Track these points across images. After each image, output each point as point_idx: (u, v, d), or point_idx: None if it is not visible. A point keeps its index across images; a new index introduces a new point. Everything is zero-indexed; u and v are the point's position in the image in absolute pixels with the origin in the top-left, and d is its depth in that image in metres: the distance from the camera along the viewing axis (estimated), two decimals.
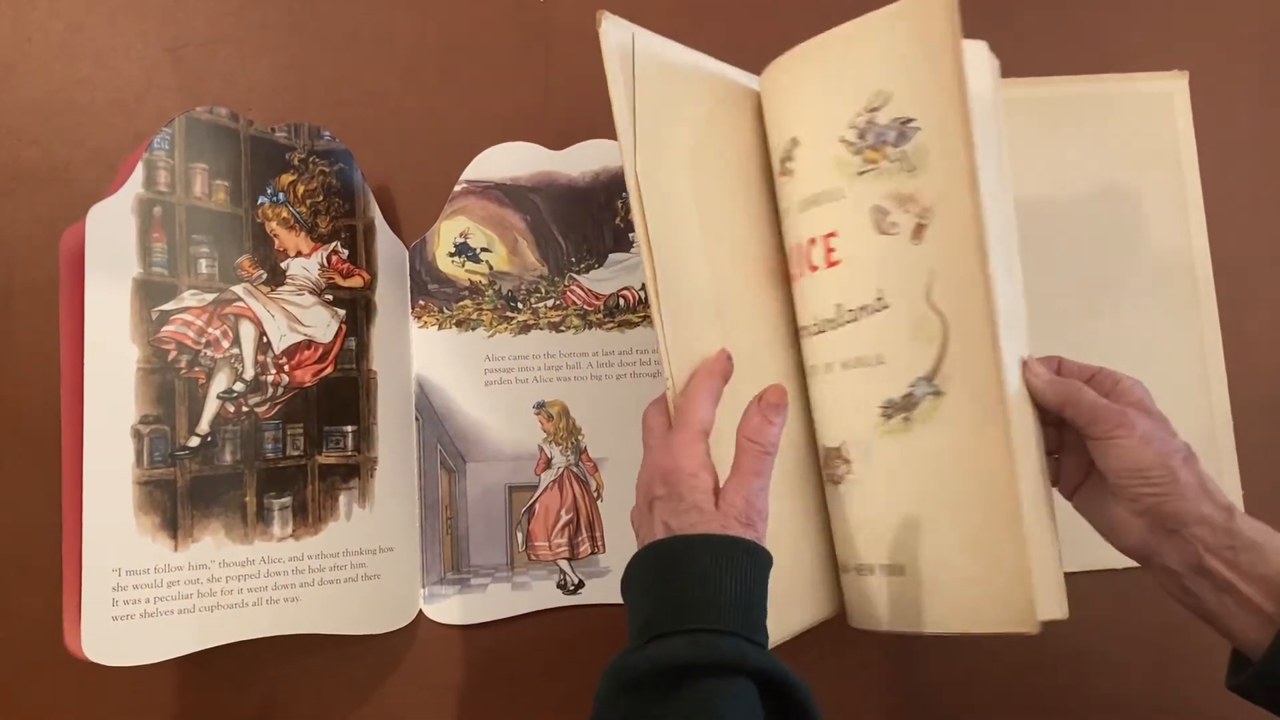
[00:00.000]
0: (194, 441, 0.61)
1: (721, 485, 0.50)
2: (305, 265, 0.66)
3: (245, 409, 0.63)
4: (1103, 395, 0.54)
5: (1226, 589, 0.50)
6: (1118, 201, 0.74)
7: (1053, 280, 0.72)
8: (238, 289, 0.64)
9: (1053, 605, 0.52)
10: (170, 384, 0.60)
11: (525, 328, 0.71)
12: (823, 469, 0.59)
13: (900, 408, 0.54)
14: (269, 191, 0.65)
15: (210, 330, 0.62)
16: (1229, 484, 0.71)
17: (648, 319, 0.71)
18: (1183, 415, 0.67)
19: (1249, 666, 0.50)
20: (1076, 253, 0.73)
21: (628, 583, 0.50)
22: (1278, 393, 0.74)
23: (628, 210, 0.70)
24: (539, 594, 0.69)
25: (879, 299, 0.54)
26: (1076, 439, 0.55)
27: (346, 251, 0.68)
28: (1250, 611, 0.49)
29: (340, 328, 0.67)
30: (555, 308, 0.71)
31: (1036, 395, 0.54)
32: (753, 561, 0.47)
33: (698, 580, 0.46)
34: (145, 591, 0.57)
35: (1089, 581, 0.68)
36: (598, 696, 0.46)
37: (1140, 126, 0.75)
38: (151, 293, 0.60)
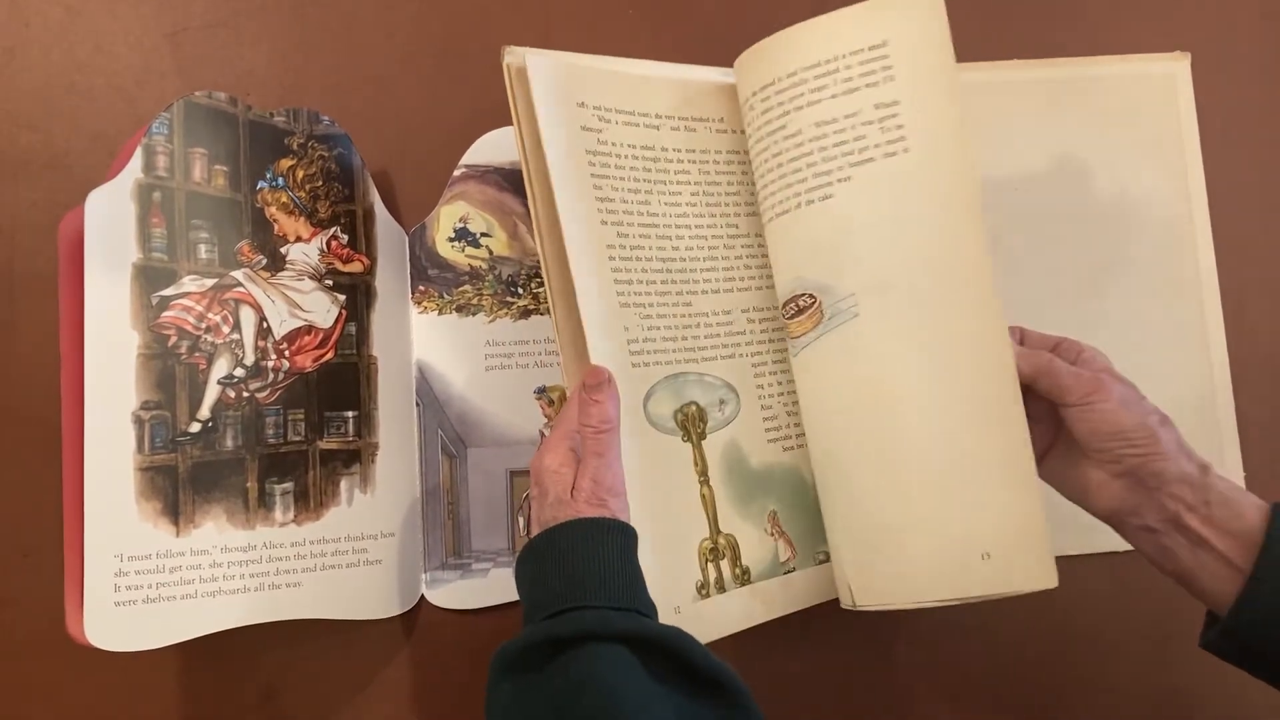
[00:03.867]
0: (195, 427, 0.61)
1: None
2: (305, 250, 0.66)
3: (246, 394, 0.63)
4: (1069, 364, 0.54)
5: (1201, 544, 0.51)
6: (1119, 183, 0.74)
7: (1054, 261, 0.72)
8: (238, 274, 0.64)
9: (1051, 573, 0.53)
10: (171, 370, 0.60)
11: (525, 313, 0.71)
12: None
13: None
14: (268, 176, 0.65)
15: (210, 316, 0.62)
16: (1230, 462, 0.71)
17: None
18: (1184, 395, 0.67)
19: (1219, 623, 0.51)
20: (1078, 234, 0.73)
21: (517, 583, 0.53)
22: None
23: None
24: None
25: None
26: (1041, 409, 0.55)
27: (346, 236, 0.68)
28: (1224, 565, 0.50)
29: (340, 313, 0.67)
30: None
31: None
32: (606, 537, 0.50)
33: (559, 566, 0.49)
34: (147, 577, 0.57)
35: (1087, 564, 0.68)
36: (488, 684, 0.48)
37: (1142, 108, 0.75)
38: (151, 278, 0.60)
